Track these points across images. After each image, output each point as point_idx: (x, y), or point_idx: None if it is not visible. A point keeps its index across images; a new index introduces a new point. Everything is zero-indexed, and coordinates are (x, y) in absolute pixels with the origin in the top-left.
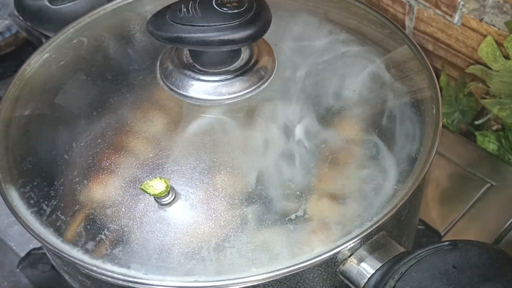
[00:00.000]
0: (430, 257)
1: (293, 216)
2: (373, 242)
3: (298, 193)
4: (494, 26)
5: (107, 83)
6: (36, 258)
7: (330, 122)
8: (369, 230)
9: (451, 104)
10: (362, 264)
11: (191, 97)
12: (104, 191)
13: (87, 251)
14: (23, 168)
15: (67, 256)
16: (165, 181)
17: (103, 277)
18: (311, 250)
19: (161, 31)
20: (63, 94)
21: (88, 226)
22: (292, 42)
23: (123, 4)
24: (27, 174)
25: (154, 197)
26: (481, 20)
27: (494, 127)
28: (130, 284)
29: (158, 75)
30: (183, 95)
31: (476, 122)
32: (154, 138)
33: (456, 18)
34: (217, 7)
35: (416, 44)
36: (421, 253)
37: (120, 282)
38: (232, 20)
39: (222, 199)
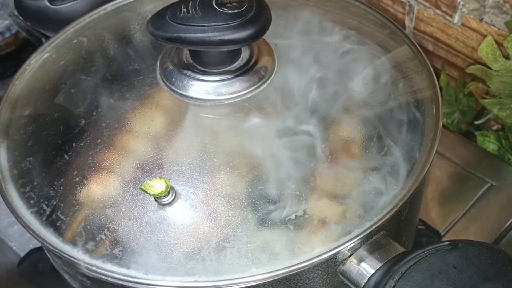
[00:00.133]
0: (430, 257)
1: (293, 216)
2: (373, 242)
3: (298, 193)
4: (494, 26)
5: (107, 83)
6: (36, 258)
7: (330, 122)
8: (369, 230)
9: (451, 104)
10: (362, 264)
11: (191, 97)
12: (104, 191)
13: (87, 251)
14: (23, 168)
15: (67, 256)
16: (165, 181)
17: (103, 277)
18: (311, 250)
19: (161, 31)
20: (63, 94)
21: (88, 226)
22: (292, 42)
23: (123, 4)
24: (27, 174)
25: (154, 197)
26: (481, 20)
27: (494, 127)
28: (130, 284)
29: (158, 75)
30: (183, 95)
31: (476, 122)
32: (154, 138)
33: (456, 18)
34: (217, 7)
35: (416, 44)
36: (421, 253)
37: (120, 282)
38: (232, 20)
39: (222, 199)
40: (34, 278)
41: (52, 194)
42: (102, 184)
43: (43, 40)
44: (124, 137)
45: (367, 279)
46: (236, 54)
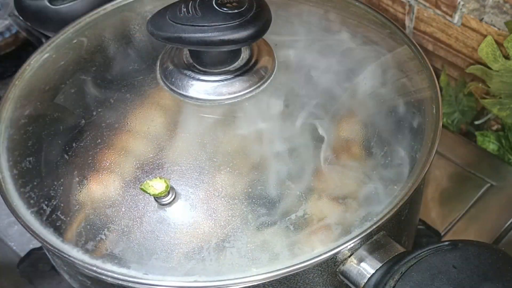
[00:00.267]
0: (430, 257)
1: (293, 216)
2: (373, 242)
3: (298, 193)
4: (494, 26)
5: (107, 83)
6: (36, 258)
7: (330, 121)
8: (369, 230)
9: (451, 104)
10: (362, 264)
11: (191, 97)
12: (104, 191)
13: (87, 251)
14: (23, 168)
15: (67, 256)
16: (165, 181)
17: (103, 277)
18: (311, 250)
19: (161, 31)
20: (63, 94)
21: (88, 226)
22: (292, 42)
23: (123, 4)
24: (27, 174)
25: (154, 197)
26: (481, 20)
27: (494, 127)
28: (130, 284)
29: (158, 75)
30: (183, 95)
31: (476, 122)
32: (154, 138)
33: (456, 18)
34: (217, 7)
35: (416, 44)
36: (421, 253)
37: (120, 282)
38: (232, 20)
39: (222, 199)
40: (34, 278)
41: (52, 194)
42: (102, 184)
43: (43, 40)
44: (124, 137)
45: (367, 279)
46: (236, 54)
